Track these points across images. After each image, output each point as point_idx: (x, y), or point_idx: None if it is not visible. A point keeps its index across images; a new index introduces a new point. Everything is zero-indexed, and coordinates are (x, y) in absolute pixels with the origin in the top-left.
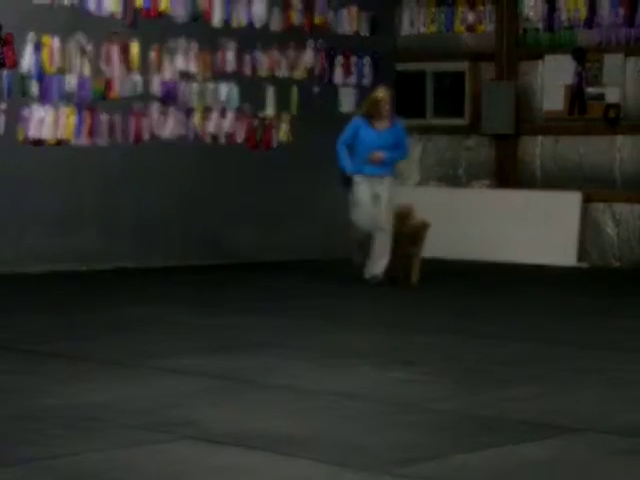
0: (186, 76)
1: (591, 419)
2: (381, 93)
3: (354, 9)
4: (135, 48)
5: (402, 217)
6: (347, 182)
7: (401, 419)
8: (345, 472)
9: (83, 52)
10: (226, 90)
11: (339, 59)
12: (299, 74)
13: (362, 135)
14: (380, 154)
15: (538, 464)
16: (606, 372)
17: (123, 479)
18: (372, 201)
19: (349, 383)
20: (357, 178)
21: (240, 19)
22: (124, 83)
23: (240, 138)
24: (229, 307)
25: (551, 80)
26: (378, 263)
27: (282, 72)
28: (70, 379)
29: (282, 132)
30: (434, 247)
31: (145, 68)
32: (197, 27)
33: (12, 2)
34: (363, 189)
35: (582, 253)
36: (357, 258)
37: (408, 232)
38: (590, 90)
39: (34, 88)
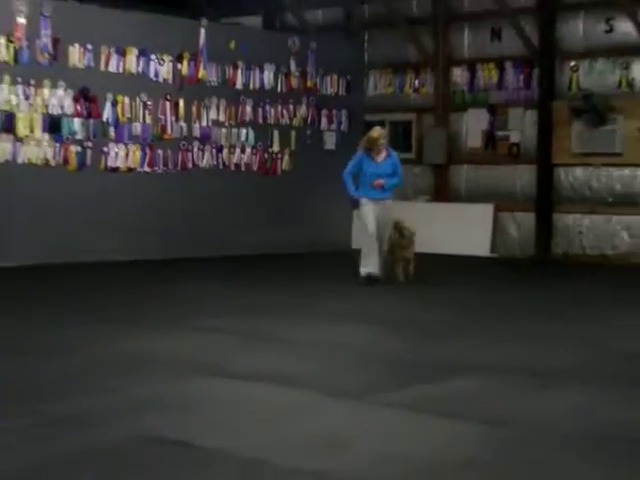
0: (217, 123)
1: (500, 363)
2: (376, 133)
3: (335, 76)
4: (181, 103)
5: (398, 229)
6: (355, 204)
7: (367, 363)
8: (329, 398)
9: (145, 107)
10: (245, 133)
11: (324, 111)
12: (296, 122)
13: (365, 166)
14: (381, 181)
15: (465, 391)
16: (516, 329)
17: (172, 404)
18: (375, 217)
19: (330, 336)
20: (363, 200)
21: (255, 83)
22: (174, 128)
23: (255, 167)
24: (245, 282)
25: (472, 126)
26: (374, 262)
27: (284, 120)
28: (136, 335)
29: (285, 162)
30: None
31: (188, 118)
32: (225, 89)
33: (96, 72)
34: (368, 209)
35: (493, 247)
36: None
37: (404, 241)
38: (499, 133)
39: (111, 132)
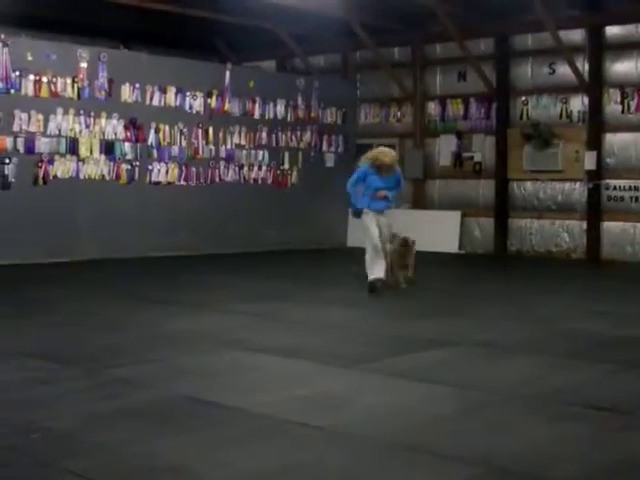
0: (239, 146)
1: (467, 338)
2: (388, 159)
3: (333, 109)
4: (210, 130)
5: (400, 239)
6: (358, 214)
7: (359, 338)
8: (326, 366)
9: (182, 133)
10: (261, 154)
11: (325, 137)
12: (303, 145)
13: (369, 180)
14: (384, 193)
15: (438, 361)
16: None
17: (203, 371)
18: (377, 225)
19: (329, 318)
20: (366, 210)
21: (269, 114)
22: (204, 150)
23: (269, 181)
24: (261, 274)
25: (443, 149)
26: (380, 268)
27: (293, 144)
28: (174, 315)
29: (293, 177)
30: None
31: (216, 142)
32: (245, 119)
33: (142, 105)
34: (370, 218)
35: (461, 245)
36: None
37: (406, 249)
38: (465, 154)
39: (154, 153)
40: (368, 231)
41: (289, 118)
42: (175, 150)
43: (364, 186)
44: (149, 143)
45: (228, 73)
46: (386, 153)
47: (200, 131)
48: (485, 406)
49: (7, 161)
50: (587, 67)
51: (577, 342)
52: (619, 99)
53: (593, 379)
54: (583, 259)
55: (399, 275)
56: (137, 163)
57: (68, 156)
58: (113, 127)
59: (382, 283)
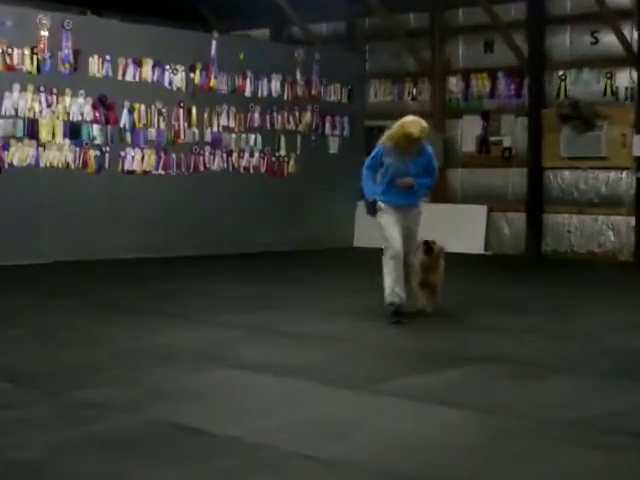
0: (227, 129)
1: (495, 355)
2: (416, 129)
3: (337, 85)
4: (194, 110)
5: (422, 244)
6: (371, 209)
7: (369, 354)
8: (330, 388)
9: (160, 113)
10: (253, 138)
11: (328, 118)
12: (302, 128)
13: (389, 163)
14: (409, 180)
15: (460, 382)
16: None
17: (188, 392)
18: (399, 230)
19: (334, 330)
20: (382, 206)
21: (263, 92)
22: (186, 133)
23: (263, 170)
24: (253, 278)
25: (467, 132)
26: (400, 288)
27: (290, 126)
28: (152, 328)
29: (290, 166)
30: None
31: (200, 124)
32: (235, 97)
33: (114, 81)
34: (390, 219)
35: (487, 245)
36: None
37: (431, 260)
38: (492, 138)
39: (128, 137)
40: (385, 234)
41: (286, 96)
42: (152, 133)
43: (381, 173)
44: (121, 125)
45: (214, 43)
46: (414, 122)
47: (181, 111)
48: (514, 435)
49: None
50: (636, 36)
51: (623, 360)
52: None
53: None
54: (631, 261)
55: (421, 296)
56: (107, 149)
57: (26, 140)
58: (79, 106)
59: (400, 312)
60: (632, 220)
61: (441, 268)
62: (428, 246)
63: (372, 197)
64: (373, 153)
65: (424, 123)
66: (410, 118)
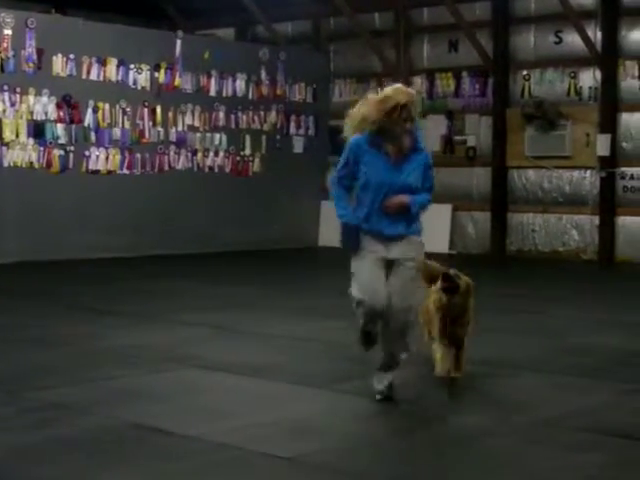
0: (192, 128)
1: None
2: (402, 95)
3: (302, 84)
4: (158, 110)
5: (443, 279)
6: (348, 241)
7: (334, 354)
8: (295, 387)
9: (124, 113)
10: (218, 137)
11: (293, 117)
12: (267, 127)
13: (368, 166)
14: (403, 198)
15: (425, 381)
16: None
17: (152, 393)
18: (385, 281)
19: (300, 330)
20: (364, 241)
21: (228, 91)
22: (151, 133)
23: (228, 169)
24: (218, 278)
25: (432, 131)
26: (383, 371)
27: (255, 126)
28: (116, 328)
29: (255, 165)
30: None
31: (165, 123)
32: (199, 96)
33: (78, 80)
34: (369, 263)
35: (452, 244)
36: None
37: (457, 301)
38: (457, 138)
39: (92, 136)
40: (359, 288)
41: (251, 96)
42: (117, 133)
43: (357, 186)
44: (86, 125)
45: (179, 42)
46: (400, 89)
47: (146, 110)
48: (482, 434)
49: None
50: (600, 36)
51: (589, 358)
52: (637, 73)
53: (608, 401)
54: (595, 260)
55: (443, 357)
56: (72, 148)
57: None
58: (43, 106)
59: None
60: (596, 219)
61: (470, 313)
62: (451, 281)
63: (350, 221)
64: (344, 156)
65: (410, 91)
66: (395, 87)
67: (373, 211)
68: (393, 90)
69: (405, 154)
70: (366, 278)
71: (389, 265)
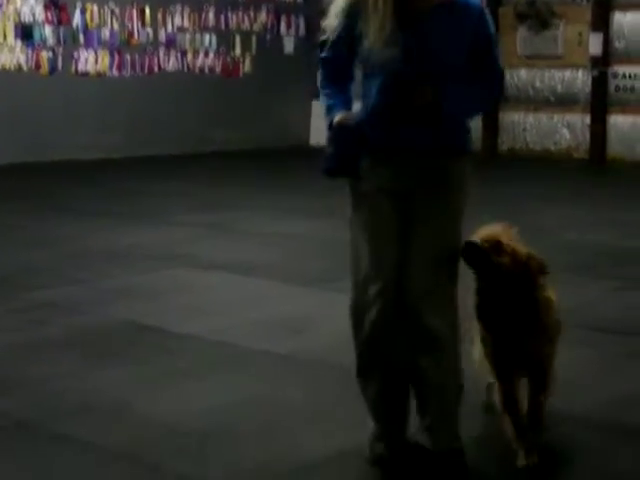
0: (182, 29)
1: None
2: None
3: None
4: (147, 10)
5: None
6: (339, 158)
7: (324, 253)
8: (286, 285)
9: (113, 14)
10: (208, 38)
11: (283, 17)
12: (257, 27)
13: (370, 47)
14: (426, 90)
15: None
16: None
17: (145, 292)
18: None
19: (290, 229)
20: (365, 167)
21: None
22: (140, 34)
23: (218, 70)
24: (210, 179)
25: None
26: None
27: (245, 26)
28: (106, 228)
29: (245, 66)
30: None
31: (154, 24)
32: None
33: None
34: (368, 206)
35: None
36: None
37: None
38: None
39: (81, 38)
40: (356, 253)
41: None
42: (105, 34)
43: (362, 77)
44: (74, 26)
45: None
46: None
47: (135, 11)
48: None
49: None
50: None
51: (579, 255)
52: None
53: (597, 297)
54: (586, 159)
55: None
56: (60, 50)
57: None
58: (30, 7)
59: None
60: (587, 118)
61: (553, 320)
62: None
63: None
64: (325, 39)
65: None
66: None
67: (382, 109)
68: None
69: (433, 10)
70: (370, 236)
71: (405, 211)
